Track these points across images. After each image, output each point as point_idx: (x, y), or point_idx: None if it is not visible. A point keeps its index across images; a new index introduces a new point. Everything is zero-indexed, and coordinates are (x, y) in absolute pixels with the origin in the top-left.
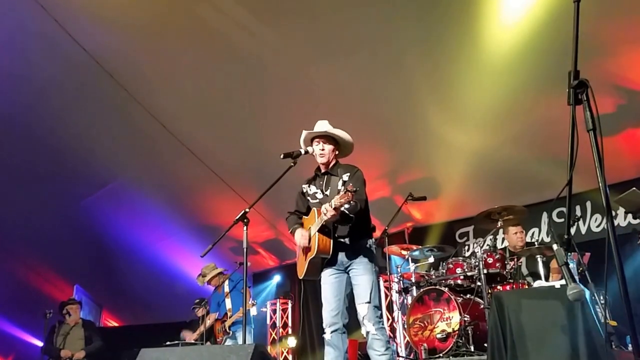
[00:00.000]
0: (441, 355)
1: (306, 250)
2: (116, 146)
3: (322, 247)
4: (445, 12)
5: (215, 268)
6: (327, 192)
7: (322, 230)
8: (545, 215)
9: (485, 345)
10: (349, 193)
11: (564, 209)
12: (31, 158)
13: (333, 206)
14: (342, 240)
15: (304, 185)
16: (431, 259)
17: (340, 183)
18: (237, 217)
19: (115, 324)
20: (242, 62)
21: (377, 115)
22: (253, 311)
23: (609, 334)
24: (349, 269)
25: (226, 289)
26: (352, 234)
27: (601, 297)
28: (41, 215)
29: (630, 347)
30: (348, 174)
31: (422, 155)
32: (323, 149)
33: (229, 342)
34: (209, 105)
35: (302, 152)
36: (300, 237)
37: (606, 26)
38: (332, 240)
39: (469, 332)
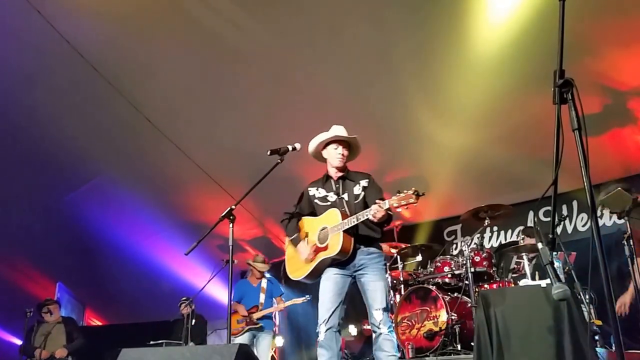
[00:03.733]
0: (428, 354)
1: (317, 250)
2: (100, 140)
3: (345, 247)
4: (434, 11)
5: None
6: (344, 196)
7: (347, 230)
8: (531, 214)
9: (472, 343)
10: (413, 195)
11: (550, 208)
12: (12, 151)
13: (387, 206)
14: (361, 242)
15: (310, 188)
16: (419, 257)
17: (357, 188)
18: (223, 214)
19: (99, 323)
20: (230, 57)
21: (365, 113)
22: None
23: (594, 334)
24: (359, 272)
25: (263, 284)
26: (371, 237)
27: (586, 297)
28: (23, 211)
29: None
30: (367, 180)
31: (410, 153)
32: (343, 154)
33: (245, 337)
34: (196, 100)
35: (290, 148)
36: (305, 250)
37: (592, 26)
38: (352, 241)
39: (456, 330)
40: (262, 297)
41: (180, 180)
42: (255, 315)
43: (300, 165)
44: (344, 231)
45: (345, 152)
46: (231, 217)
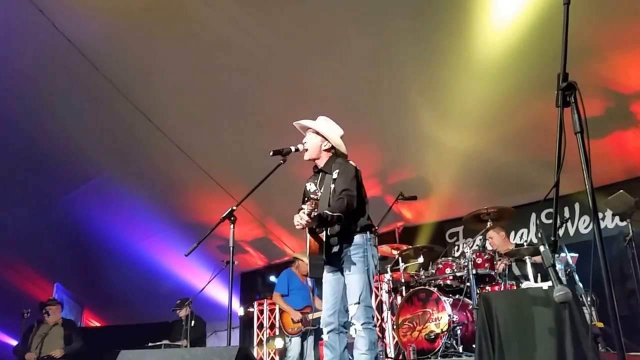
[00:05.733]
0: (430, 356)
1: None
2: (100, 140)
3: (313, 248)
4: (437, 13)
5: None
6: (322, 190)
7: (312, 230)
8: (534, 216)
9: (474, 346)
10: (313, 201)
11: (552, 210)
12: (10, 150)
13: (305, 213)
14: (333, 238)
15: (306, 183)
16: (421, 259)
17: (331, 181)
18: (224, 216)
19: (97, 324)
20: (232, 57)
21: (368, 114)
22: (240, 312)
23: (596, 336)
24: (342, 267)
25: (309, 282)
26: (343, 232)
27: (588, 299)
28: (21, 210)
29: None
30: (337, 171)
31: (412, 155)
32: (304, 142)
33: (299, 337)
34: (197, 100)
35: (292, 149)
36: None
37: (596, 30)
38: (322, 240)
39: (458, 332)
40: (310, 297)
41: (180, 180)
42: (311, 316)
43: (302, 167)
44: (308, 232)
45: (309, 141)
46: (232, 218)
